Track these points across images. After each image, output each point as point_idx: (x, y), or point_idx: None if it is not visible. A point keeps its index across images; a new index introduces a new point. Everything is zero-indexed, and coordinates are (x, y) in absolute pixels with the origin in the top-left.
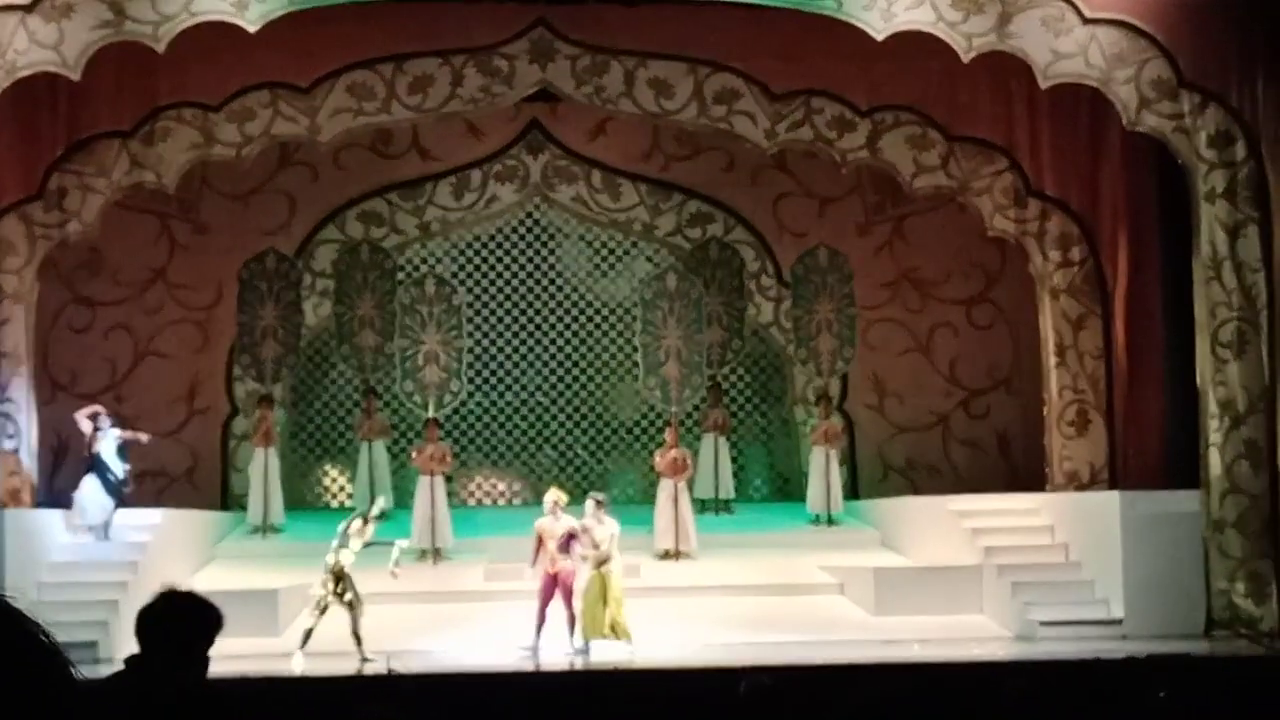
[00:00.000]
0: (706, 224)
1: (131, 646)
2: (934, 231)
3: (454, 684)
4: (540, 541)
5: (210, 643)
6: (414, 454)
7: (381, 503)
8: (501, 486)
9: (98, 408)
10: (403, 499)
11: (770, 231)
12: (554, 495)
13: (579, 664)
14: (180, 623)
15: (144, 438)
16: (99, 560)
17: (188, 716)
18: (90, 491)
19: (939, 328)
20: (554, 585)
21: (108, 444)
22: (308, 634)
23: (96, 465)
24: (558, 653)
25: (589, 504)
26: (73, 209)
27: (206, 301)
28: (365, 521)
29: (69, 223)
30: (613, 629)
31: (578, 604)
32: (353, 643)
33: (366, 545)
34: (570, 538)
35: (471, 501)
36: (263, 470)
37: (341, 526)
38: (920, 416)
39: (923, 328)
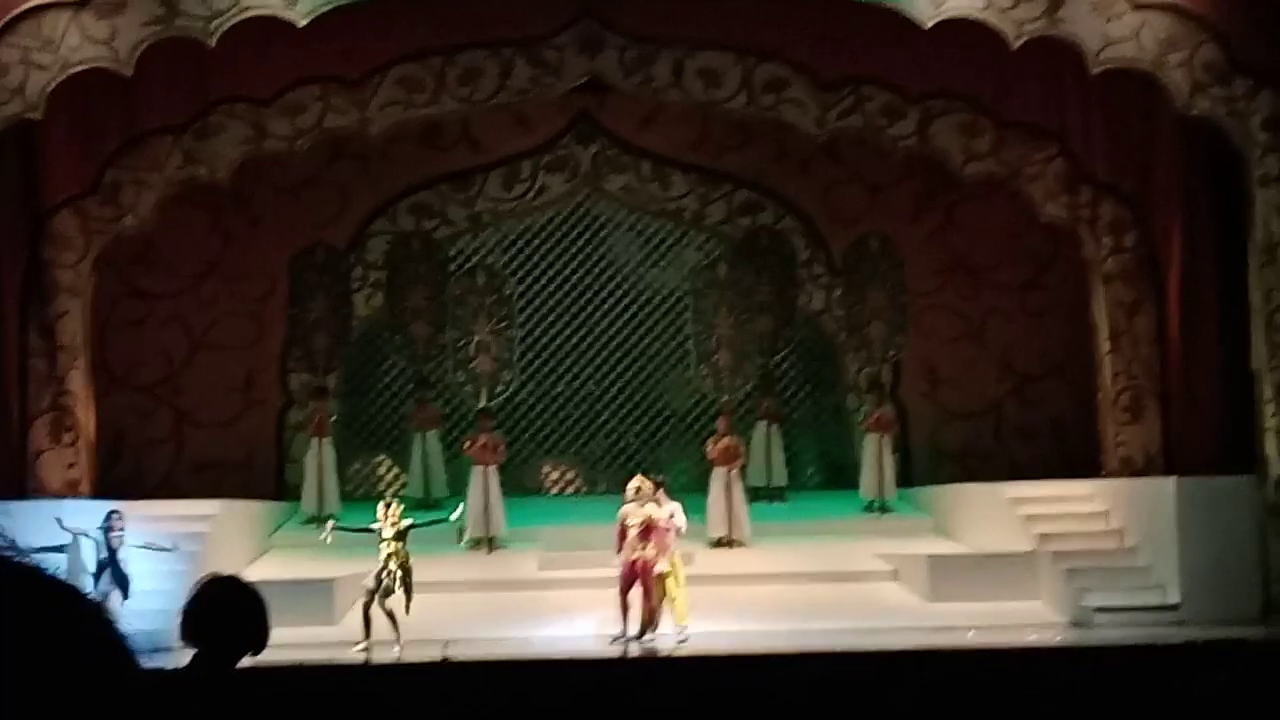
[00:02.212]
0: (756, 213)
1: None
2: (985, 218)
3: (507, 672)
4: (624, 529)
5: (263, 629)
6: (467, 444)
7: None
8: (555, 476)
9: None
10: (456, 489)
11: (821, 219)
12: (637, 482)
13: (631, 652)
14: (230, 611)
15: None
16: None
17: (235, 705)
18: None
19: (991, 314)
20: (633, 573)
21: (125, 547)
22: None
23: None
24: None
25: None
26: (127, 203)
27: (260, 294)
28: (387, 505)
29: (124, 217)
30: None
31: (679, 591)
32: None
33: (413, 527)
34: (649, 526)
35: (526, 491)
36: (317, 461)
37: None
38: (973, 403)
39: (975, 314)
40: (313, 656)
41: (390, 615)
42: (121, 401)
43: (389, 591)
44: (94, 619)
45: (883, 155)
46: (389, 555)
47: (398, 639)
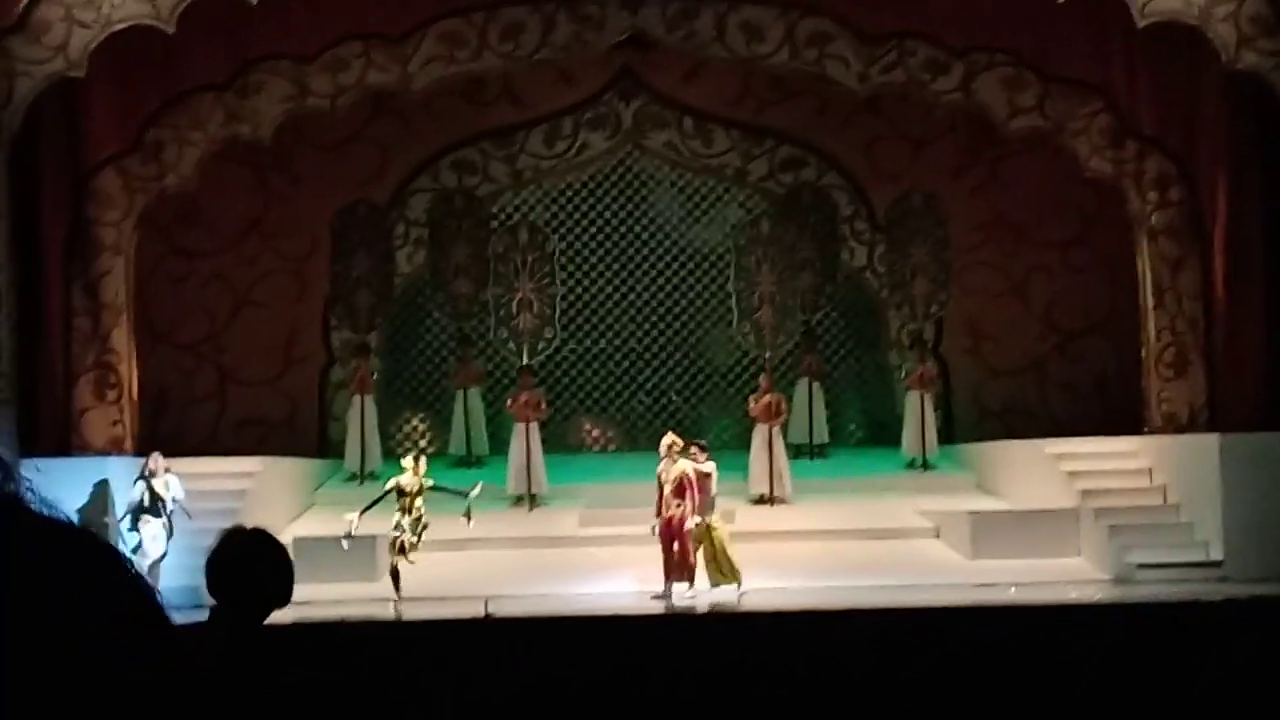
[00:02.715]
0: (799, 169)
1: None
2: (1030, 173)
3: (548, 628)
4: (661, 488)
5: (287, 581)
6: (509, 401)
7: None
8: (596, 433)
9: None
10: (498, 446)
11: (864, 175)
12: (669, 439)
13: (675, 607)
14: (255, 564)
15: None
16: (201, 508)
17: (259, 661)
18: (154, 532)
19: (1035, 270)
20: (669, 530)
21: (169, 489)
22: (395, 575)
23: (154, 506)
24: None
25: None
26: (169, 162)
27: (302, 252)
28: (415, 460)
29: (166, 175)
30: (725, 571)
31: (724, 550)
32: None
33: (435, 489)
34: (683, 483)
35: (568, 448)
36: (359, 418)
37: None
38: (1016, 360)
39: (1018, 270)
40: (355, 612)
41: (395, 572)
42: (165, 359)
43: (403, 548)
44: (117, 572)
45: (926, 110)
46: (405, 510)
47: (397, 597)
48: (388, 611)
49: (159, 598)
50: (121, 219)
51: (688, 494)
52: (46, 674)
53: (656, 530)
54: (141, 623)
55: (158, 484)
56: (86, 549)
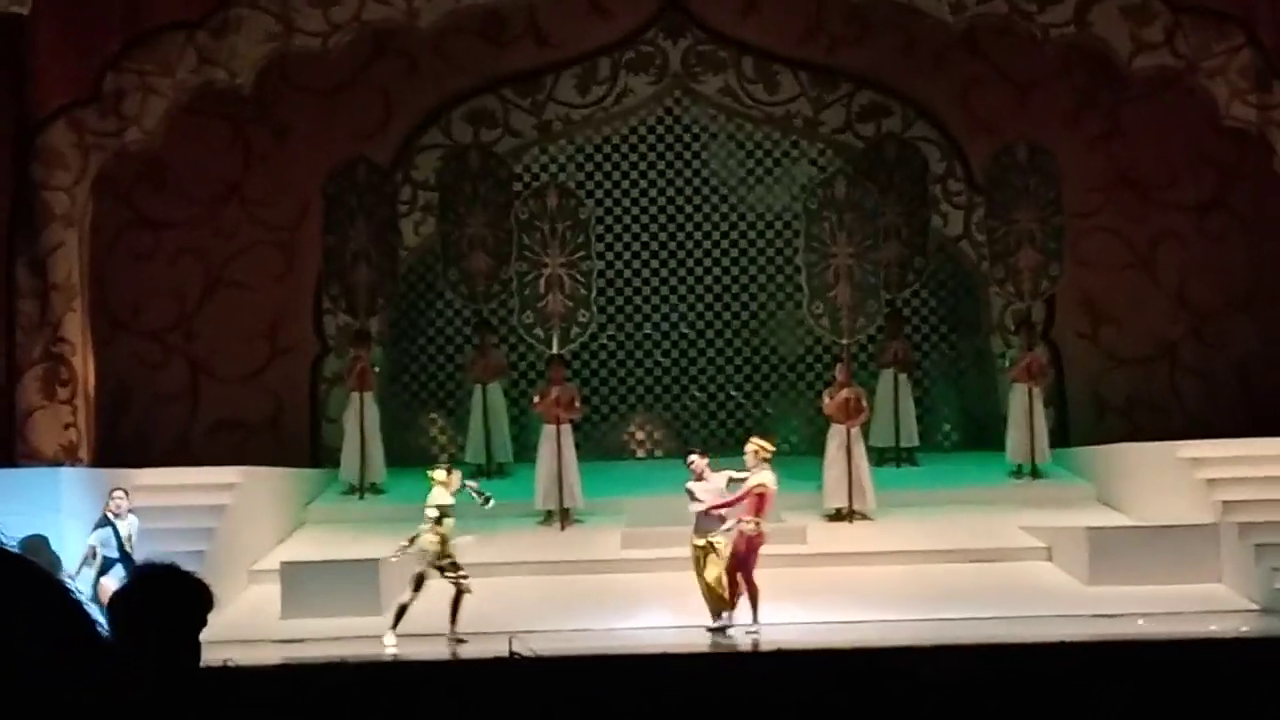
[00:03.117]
0: (881, 118)
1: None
2: (1157, 122)
3: (585, 669)
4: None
5: (199, 627)
6: (536, 399)
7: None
8: (640, 436)
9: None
10: (524, 452)
11: (958, 126)
12: (753, 445)
13: (732, 645)
14: (161, 604)
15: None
16: (170, 528)
17: (174, 711)
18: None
19: (1164, 238)
20: (742, 550)
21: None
22: (402, 611)
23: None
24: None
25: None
26: (131, 114)
27: (289, 220)
28: (449, 471)
29: (127, 130)
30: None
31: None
32: (449, 618)
33: (458, 492)
34: (761, 495)
35: (606, 455)
36: (358, 419)
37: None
38: (1142, 346)
39: (1144, 239)
40: (355, 652)
41: (402, 608)
42: (126, 350)
43: (420, 582)
44: (55, 601)
45: (1033, 47)
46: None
47: (392, 632)
48: (393, 650)
49: (99, 628)
50: (74, 183)
51: (765, 509)
52: None
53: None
54: (79, 654)
55: (123, 528)
56: (22, 578)
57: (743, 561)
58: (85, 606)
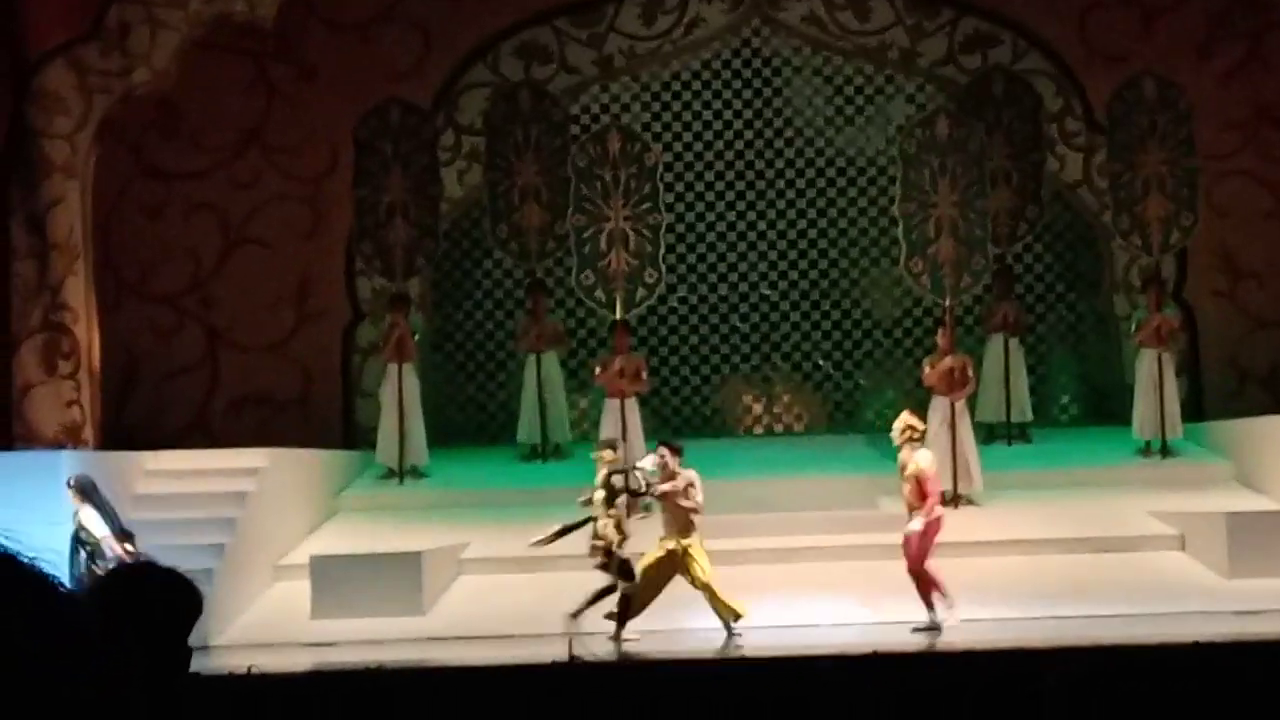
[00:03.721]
0: (988, 48)
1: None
2: None
3: (650, 675)
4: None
5: (186, 632)
6: (597, 369)
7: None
8: (717, 411)
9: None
10: (584, 430)
11: (1076, 57)
12: (902, 421)
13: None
14: (147, 608)
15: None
16: (186, 518)
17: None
18: None
19: None
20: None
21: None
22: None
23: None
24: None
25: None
26: (139, 51)
27: (317, 170)
28: (615, 449)
29: (135, 70)
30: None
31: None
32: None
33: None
34: (919, 480)
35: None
36: (397, 394)
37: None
38: None
39: None
40: (395, 656)
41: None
42: (136, 317)
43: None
44: (44, 598)
45: None
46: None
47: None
48: (437, 654)
49: (91, 624)
50: (75, 130)
51: (926, 495)
52: None
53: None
54: (71, 655)
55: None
56: (23, 581)
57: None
58: (80, 607)
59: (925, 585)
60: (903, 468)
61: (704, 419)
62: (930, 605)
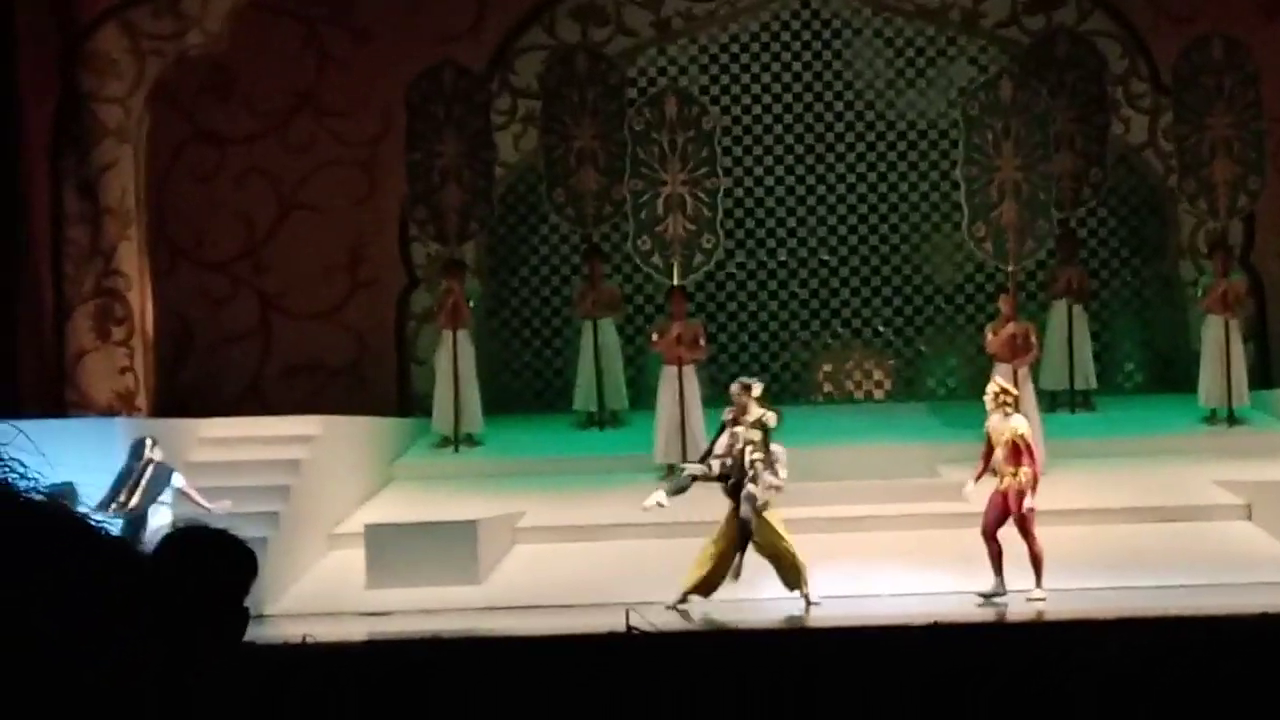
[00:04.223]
0: (1052, 9)
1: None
2: None
3: (715, 647)
4: (989, 449)
5: (244, 593)
6: (655, 336)
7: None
8: (776, 379)
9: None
10: (642, 399)
11: (1142, 16)
12: (995, 386)
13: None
14: (204, 569)
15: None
16: (240, 486)
17: (228, 688)
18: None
19: None
20: (1004, 507)
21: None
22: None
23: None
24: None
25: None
26: (192, 13)
27: (371, 134)
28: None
29: (188, 32)
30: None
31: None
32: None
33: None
34: (1018, 447)
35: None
36: (451, 361)
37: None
38: None
39: None
40: (450, 626)
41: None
42: (189, 283)
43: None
44: (108, 561)
45: None
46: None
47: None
48: (493, 623)
49: (159, 589)
50: (128, 93)
51: (1026, 459)
52: (23, 667)
53: (971, 496)
54: (130, 616)
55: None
56: (71, 535)
57: (1019, 520)
58: (143, 568)
59: (1034, 553)
60: (991, 433)
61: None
62: (1039, 574)
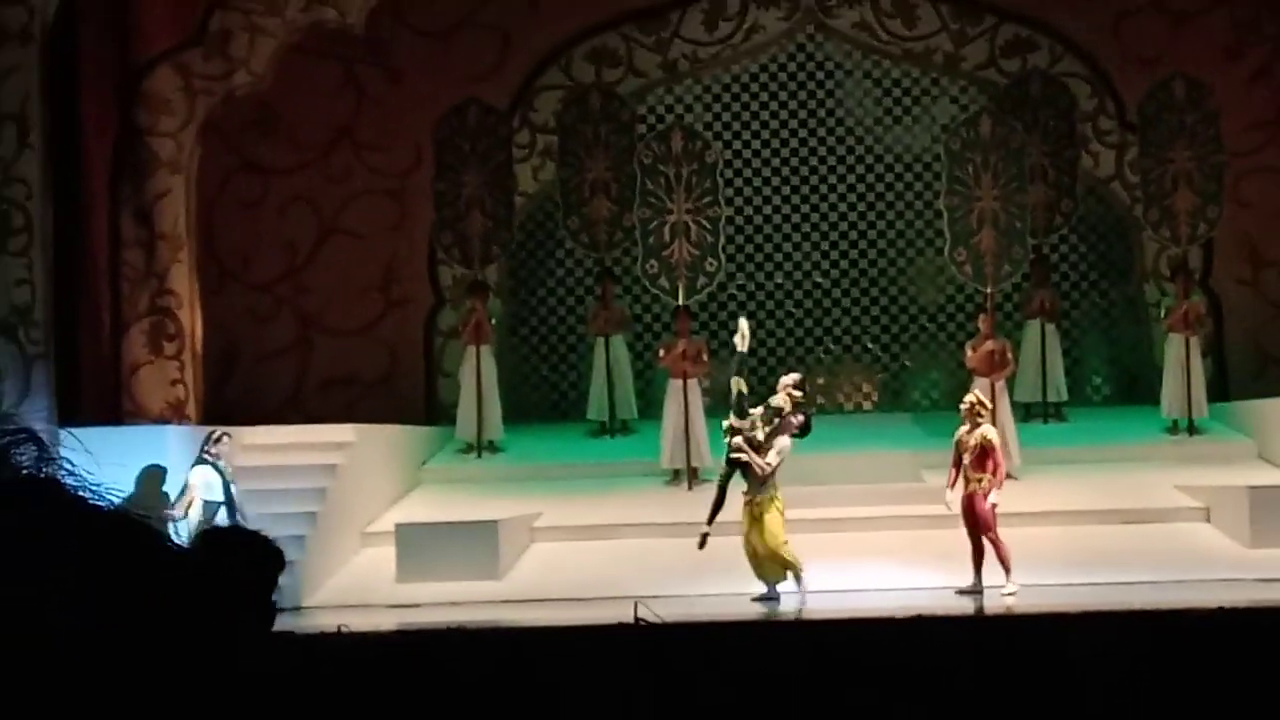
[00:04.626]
0: (1027, 53)
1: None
2: None
3: (715, 637)
4: (958, 458)
5: (273, 586)
6: (661, 352)
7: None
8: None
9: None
10: (650, 409)
11: (1110, 60)
12: (971, 398)
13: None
14: (229, 564)
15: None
16: (280, 489)
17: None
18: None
19: None
20: (974, 508)
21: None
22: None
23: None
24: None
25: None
26: (239, 56)
27: (403, 166)
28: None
29: (235, 73)
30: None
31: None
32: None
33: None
34: (984, 451)
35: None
36: (475, 374)
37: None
38: None
39: None
40: (474, 617)
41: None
42: (235, 303)
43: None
44: (167, 566)
45: None
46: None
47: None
48: (512, 616)
49: (218, 591)
50: (180, 128)
51: (990, 465)
52: (87, 670)
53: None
54: (190, 618)
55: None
56: (132, 540)
57: (983, 519)
58: (202, 572)
59: (999, 550)
60: (959, 442)
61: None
62: (1007, 569)
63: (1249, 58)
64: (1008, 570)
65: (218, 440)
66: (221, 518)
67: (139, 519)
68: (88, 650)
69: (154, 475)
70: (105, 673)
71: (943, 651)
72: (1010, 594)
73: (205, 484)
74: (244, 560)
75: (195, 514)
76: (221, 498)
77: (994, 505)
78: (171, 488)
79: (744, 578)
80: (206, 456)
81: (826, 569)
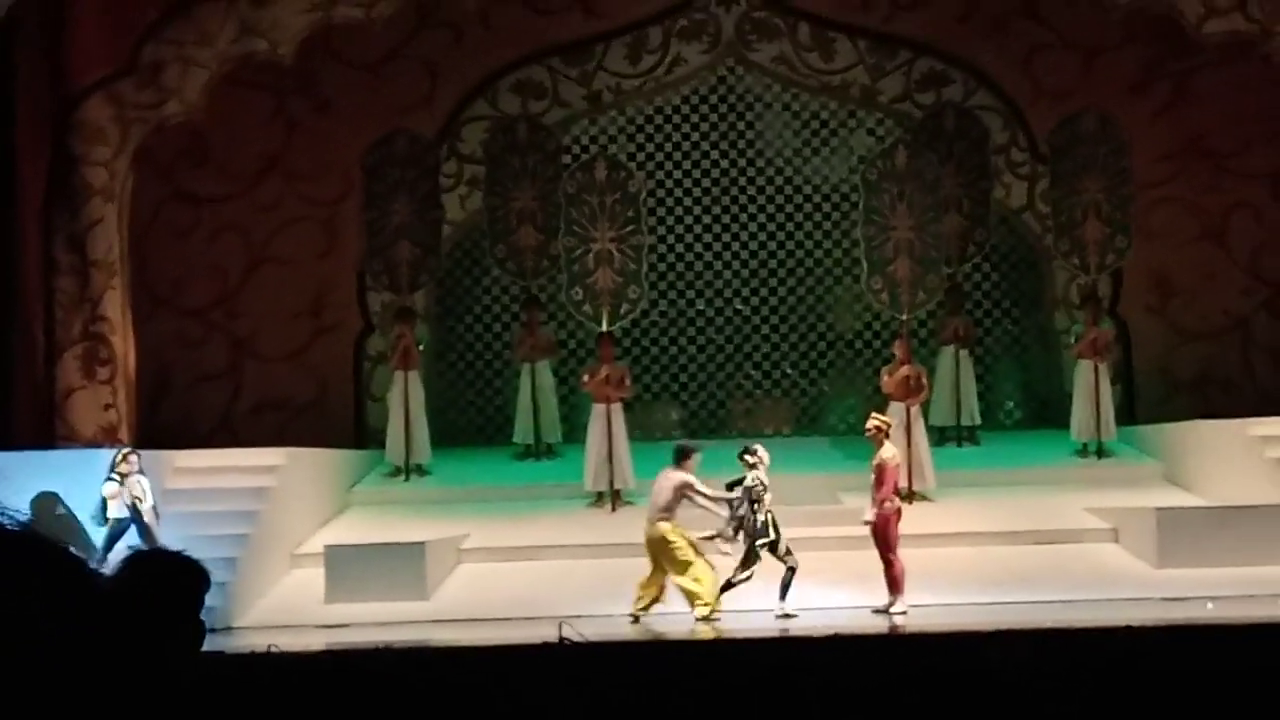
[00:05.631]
0: (941, 86)
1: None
2: (1229, 90)
3: (636, 655)
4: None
5: (199, 606)
6: (585, 377)
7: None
8: (692, 416)
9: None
10: (574, 433)
11: (1021, 94)
12: (872, 421)
13: (794, 630)
14: (159, 587)
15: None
16: (211, 511)
17: (188, 698)
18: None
19: (1236, 209)
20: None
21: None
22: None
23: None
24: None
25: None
26: (171, 86)
27: (332, 195)
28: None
29: (167, 103)
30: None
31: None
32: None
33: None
34: (880, 470)
35: (656, 434)
36: (403, 399)
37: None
38: (1213, 320)
39: (1216, 210)
40: (401, 636)
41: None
42: (167, 329)
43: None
44: (73, 584)
45: (1097, 12)
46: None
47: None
48: (439, 635)
49: (145, 612)
50: (113, 157)
51: (882, 487)
52: None
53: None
54: (117, 639)
55: (133, 489)
56: (40, 561)
57: (890, 539)
58: (107, 591)
59: (891, 568)
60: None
61: (682, 422)
62: (896, 589)
63: (1155, 93)
64: (898, 591)
65: (124, 459)
66: (132, 535)
67: (56, 543)
68: (14, 672)
69: (47, 501)
70: (33, 696)
71: (859, 669)
72: (900, 613)
73: (113, 495)
74: (169, 581)
75: (104, 530)
76: (129, 515)
77: (868, 522)
78: (77, 509)
79: (670, 598)
80: (114, 476)
81: (747, 589)
